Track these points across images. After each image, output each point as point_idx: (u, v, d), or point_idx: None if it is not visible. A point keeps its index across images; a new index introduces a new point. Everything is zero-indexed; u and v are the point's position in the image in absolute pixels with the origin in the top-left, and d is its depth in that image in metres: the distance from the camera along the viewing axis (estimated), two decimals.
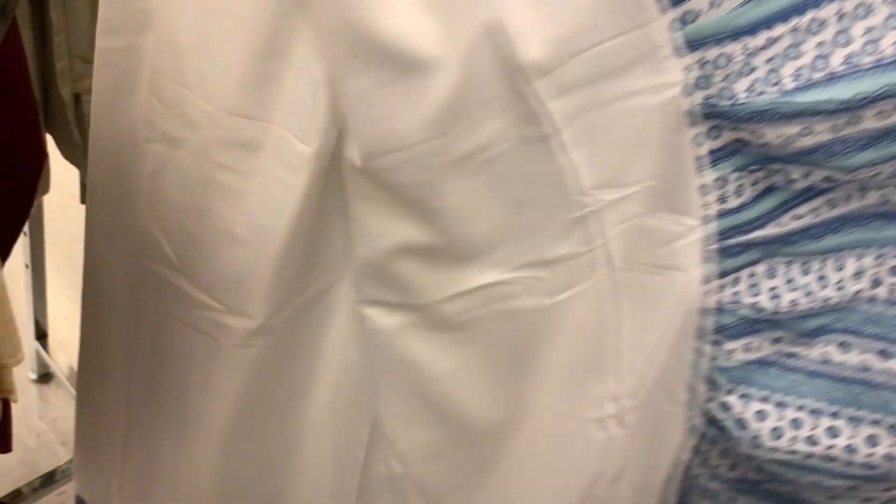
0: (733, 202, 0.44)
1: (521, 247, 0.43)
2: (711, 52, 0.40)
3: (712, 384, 0.49)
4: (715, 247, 0.45)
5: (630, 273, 0.46)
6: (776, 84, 0.39)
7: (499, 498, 0.52)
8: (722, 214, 0.44)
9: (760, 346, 0.48)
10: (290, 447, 0.54)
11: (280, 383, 0.50)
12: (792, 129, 0.39)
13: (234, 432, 0.51)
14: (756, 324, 0.48)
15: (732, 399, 0.49)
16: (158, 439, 0.55)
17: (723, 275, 0.46)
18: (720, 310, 0.47)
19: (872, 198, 0.44)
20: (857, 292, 0.46)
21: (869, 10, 0.37)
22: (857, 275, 0.46)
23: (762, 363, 0.49)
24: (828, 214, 0.45)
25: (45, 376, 1.27)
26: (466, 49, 0.36)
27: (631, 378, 0.49)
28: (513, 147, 0.40)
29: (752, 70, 0.40)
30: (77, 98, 0.83)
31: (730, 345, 0.48)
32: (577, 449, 0.50)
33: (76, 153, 0.89)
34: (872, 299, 0.46)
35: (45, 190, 0.90)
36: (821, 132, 0.39)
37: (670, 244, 0.45)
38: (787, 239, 0.45)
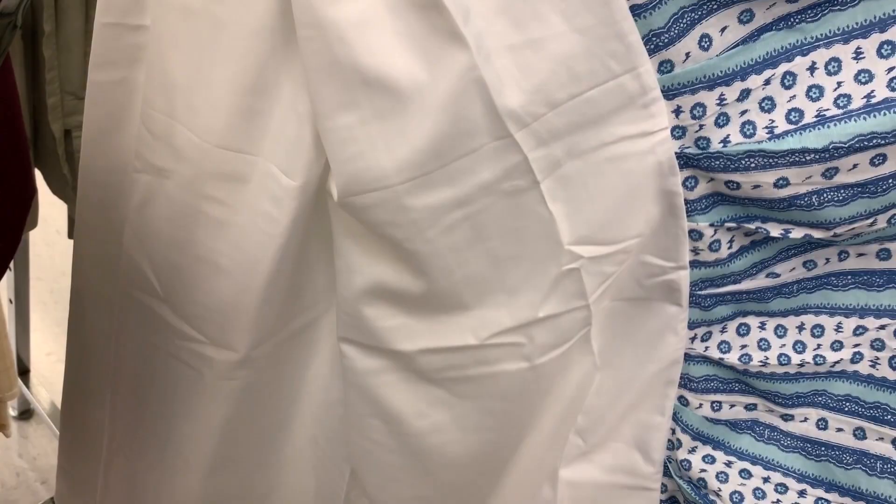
0: (708, 256, 0.44)
1: (505, 308, 0.43)
2: (686, 102, 0.40)
3: (676, 442, 0.49)
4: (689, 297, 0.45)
5: (611, 308, 0.46)
6: (751, 134, 0.40)
7: None
8: (696, 265, 0.44)
9: (732, 408, 0.48)
10: (271, 481, 0.53)
11: (262, 416, 0.50)
12: (767, 178, 0.40)
13: (216, 464, 0.51)
14: (727, 382, 0.48)
15: (694, 458, 0.49)
16: (140, 469, 0.54)
17: (693, 326, 0.46)
18: (689, 360, 0.47)
19: (852, 263, 0.44)
20: (836, 363, 0.46)
21: (840, 66, 0.38)
22: (837, 344, 0.46)
23: (733, 426, 0.49)
24: (805, 275, 0.45)
25: (25, 413, 1.25)
26: (449, 93, 0.36)
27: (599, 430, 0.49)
28: (498, 201, 0.40)
29: (727, 120, 0.40)
30: (67, 134, 0.83)
31: (697, 399, 0.48)
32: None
33: (65, 188, 0.89)
34: (854, 375, 0.46)
35: (33, 225, 0.90)
36: (797, 183, 0.39)
37: (656, 278, 0.45)
38: (760, 295, 0.45)
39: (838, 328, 0.45)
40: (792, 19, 0.38)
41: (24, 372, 1.24)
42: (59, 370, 0.58)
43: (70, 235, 0.89)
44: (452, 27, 0.35)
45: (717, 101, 0.40)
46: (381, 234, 0.40)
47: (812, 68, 0.39)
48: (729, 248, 0.43)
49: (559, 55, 0.37)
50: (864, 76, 0.38)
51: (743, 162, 0.39)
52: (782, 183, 0.39)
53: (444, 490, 0.49)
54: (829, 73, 0.38)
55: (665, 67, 0.39)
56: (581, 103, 0.39)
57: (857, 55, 0.37)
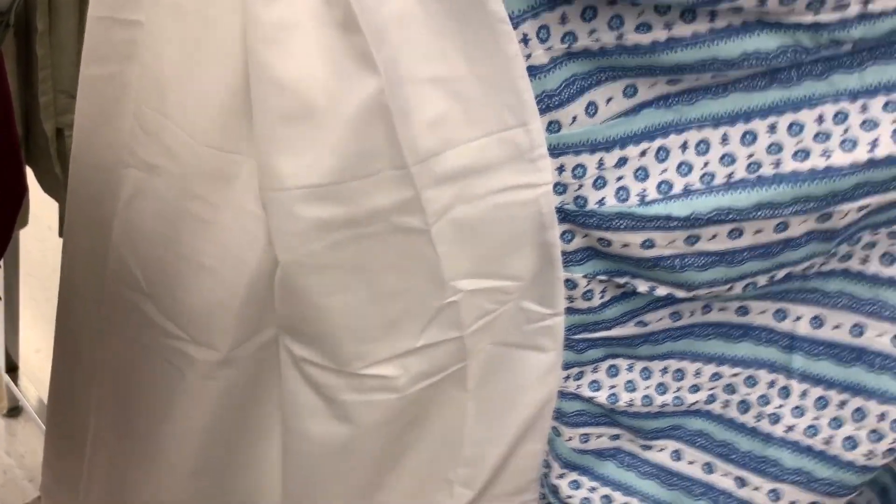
0: (582, 304, 0.47)
1: (382, 341, 0.45)
2: (569, 162, 0.42)
3: (548, 465, 0.52)
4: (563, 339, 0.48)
5: (490, 352, 0.48)
6: (624, 199, 0.43)
7: None
8: (571, 312, 0.47)
9: (599, 439, 0.51)
10: (255, 483, 0.54)
11: (244, 419, 0.51)
12: (635, 239, 0.42)
13: (199, 465, 0.51)
14: (595, 417, 0.51)
15: (562, 483, 0.52)
16: (123, 466, 0.55)
17: (567, 366, 0.49)
18: (562, 397, 0.50)
19: (714, 316, 0.47)
20: (693, 404, 0.49)
21: (708, 147, 0.41)
22: (695, 388, 0.49)
23: (599, 454, 0.52)
24: (671, 325, 0.48)
25: (13, 410, 1.25)
26: (357, 113, 0.37)
27: (479, 466, 0.51)
28: (388, 234, 0.41)
29: (604, 183, 0.43)
30: (59, 133, 0.83)
31: (568, 432, 0.51)
32: None
33: (57, 187, 0.89)
34: (707, 413, 0.50)
35: (24, 223, 0.91)
36: (662, 246, 0.42)
37: (535, 324, 0.47)
38: (629, 341, 0.48)
39: (697, 373, 0.49)
40: (671, 100, 0.41)
41: (12, 369, 1.24)
42: (49, 367, 0.59)
43: (61, 234, 0.89)
44: (366, 50, 0.36)
45: (597, 165, 0.42)
46: (272, 239, 0.41)
47: (684, 146, 0.42)
48: (601, 297, 0.46)
49: (460, 97, 0.39)
50: (727, 159, 0.41)
51: (614, 222, 0.42)
52: (648, 244, 0.42)
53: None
54: (699, 153, 0.42)
55: (553, 127, 0.42)
56: (475, 148, 0.41)
57: (724, 140, 0.41)
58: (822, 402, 0.46)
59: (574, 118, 0.41)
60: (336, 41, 0.37)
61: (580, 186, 0.43)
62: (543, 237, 0.44)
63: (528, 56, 0.40)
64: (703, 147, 0.41)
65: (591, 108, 0.41)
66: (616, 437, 0.51)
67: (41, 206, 0.94)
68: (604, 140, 0.42)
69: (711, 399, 0.49)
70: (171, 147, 0.44)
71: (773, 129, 0.40)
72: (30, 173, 0.89)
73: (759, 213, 0.40)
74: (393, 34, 0.37)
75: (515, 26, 0.39)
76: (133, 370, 0.51)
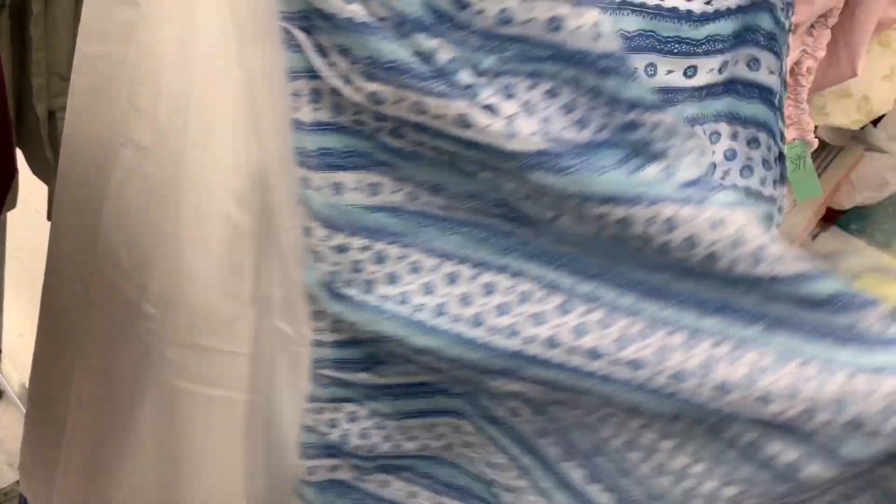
0: (329, 337, 0.48)
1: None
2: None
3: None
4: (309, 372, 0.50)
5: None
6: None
7: None
8: (317, 344, 0.49)
9: (338, 470, 0.53)
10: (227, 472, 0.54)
11: None
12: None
13: (171, 453, 0.52)
14: (331, 449, 0.52)
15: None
16: (101, 448, 0.55)
17: (311, 400, 0.51)
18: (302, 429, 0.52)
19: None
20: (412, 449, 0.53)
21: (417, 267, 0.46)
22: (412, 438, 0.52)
23: (341, 485, 0.54)
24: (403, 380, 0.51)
25: None
26: None
27: None
28: None
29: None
30: (52, 115, 0.83)
31: (308, 463, 0.52)
32: None
33: (47, 170, 0.88)
34: (430, 457, 0.53)
35: (13, 205, 0.90)
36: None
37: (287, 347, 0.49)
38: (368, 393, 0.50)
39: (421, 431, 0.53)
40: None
41: None
42: (31, 352, 0.58)
43: (49, 217, 0.88)
44: None
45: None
46: None
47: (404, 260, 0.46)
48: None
49: None
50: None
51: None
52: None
53: None
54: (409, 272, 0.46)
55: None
56: None
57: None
58: None
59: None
60: None
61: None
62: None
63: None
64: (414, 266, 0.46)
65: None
66: (357, 467, 0.53)
67: (29, 190, 0.93)
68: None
69: (425, 447, 0.53)
70: (163, 128, 0.44)
71: None
72: (20, 156, 0.88)
73: None
74: None
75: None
76: (114, 351, 0.52)
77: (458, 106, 0.39)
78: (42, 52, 0.78)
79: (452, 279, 0.45)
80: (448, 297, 0.44)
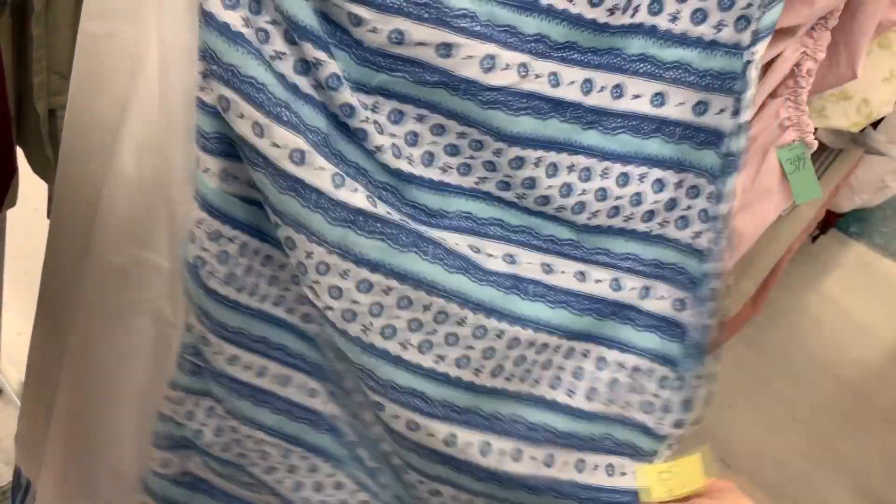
0: (197, 323, 0.49)
1: None
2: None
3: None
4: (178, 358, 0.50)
5: None
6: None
7: None
8: (188, 328, 0.49)
9: (191, 466, 0.53)
10: None
11: None
12: None
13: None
14: (185, 442, 0.52)
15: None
16: (83, 424, 0.57)
17: (174, 387, 0.51)
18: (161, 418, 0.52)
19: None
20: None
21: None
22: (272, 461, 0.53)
23: (195, 483, 0.54)
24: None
25: None
26: None
27: None
28: None
29: None
30: (52, 113, 0.83)
31: (160, 454, 0.53)
32: None
33: (47, 168, 0.88)
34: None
35: (12, 203, 0.90)
36: None
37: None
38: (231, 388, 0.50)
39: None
40: None
41: None
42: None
43: (49, 215, 0.88)
44: None
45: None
46: None
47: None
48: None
49: None
50: None
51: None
52: None
53: None
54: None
55: None
56: None
57: None
58: None
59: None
60: None
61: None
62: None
63: None
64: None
65: None
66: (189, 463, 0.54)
67: (28, 188, 0.93)
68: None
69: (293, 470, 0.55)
70: (169, 105, 0.45)
71: None
72: (20, 154, 0.88)
73: None
74: None
75: None
76: (103, 337, 0.53)
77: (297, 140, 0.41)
78: (42, 50, 0.78)
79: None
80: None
